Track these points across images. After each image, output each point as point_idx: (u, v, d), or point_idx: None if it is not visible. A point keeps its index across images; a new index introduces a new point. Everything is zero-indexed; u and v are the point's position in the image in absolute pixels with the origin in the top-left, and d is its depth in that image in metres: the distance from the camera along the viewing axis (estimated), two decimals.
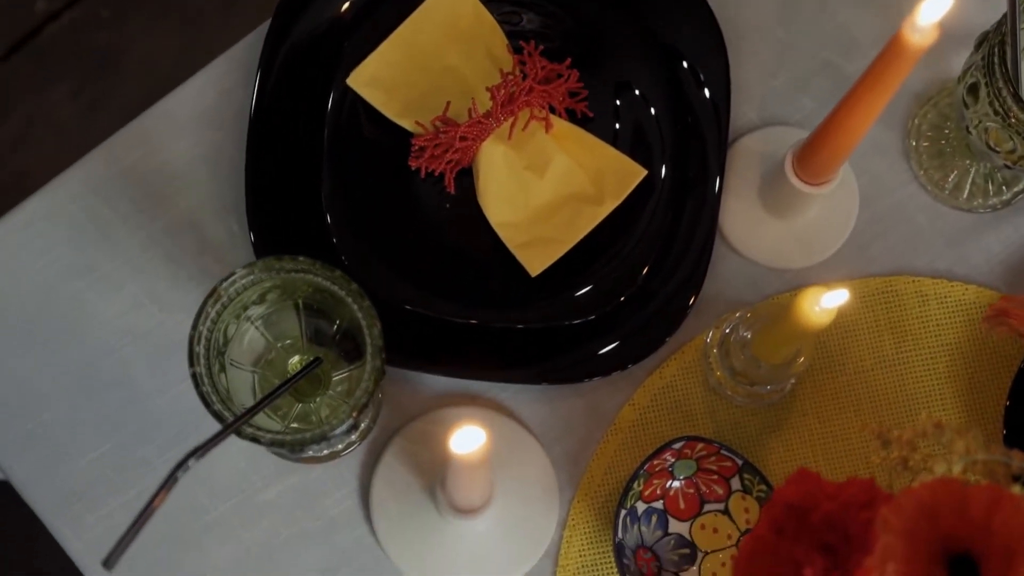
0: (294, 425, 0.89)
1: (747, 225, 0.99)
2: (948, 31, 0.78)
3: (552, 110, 0.98)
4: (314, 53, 0.99)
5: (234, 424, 0.78)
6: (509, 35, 0.99)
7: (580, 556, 0.97)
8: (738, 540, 0.96)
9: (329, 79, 0.98)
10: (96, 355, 0.98)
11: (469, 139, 0.96)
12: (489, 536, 0.96)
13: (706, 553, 0.96)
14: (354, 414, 0.81)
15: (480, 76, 0.98)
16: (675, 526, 0.96)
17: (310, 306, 0.88)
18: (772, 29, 1.02)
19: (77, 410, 0.97)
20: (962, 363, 0.99)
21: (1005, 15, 0.87)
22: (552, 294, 0.97)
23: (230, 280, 0.81)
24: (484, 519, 0.90)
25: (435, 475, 0.95)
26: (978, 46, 0.90)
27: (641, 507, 0.95)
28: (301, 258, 0.81)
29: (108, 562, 0.71)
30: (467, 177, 0.98)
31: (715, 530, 0.96)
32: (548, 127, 0.97)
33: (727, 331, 0.95)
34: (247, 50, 1.01)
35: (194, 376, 0.80)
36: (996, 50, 0.87)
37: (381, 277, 0.96)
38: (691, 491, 0.96)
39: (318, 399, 0.90)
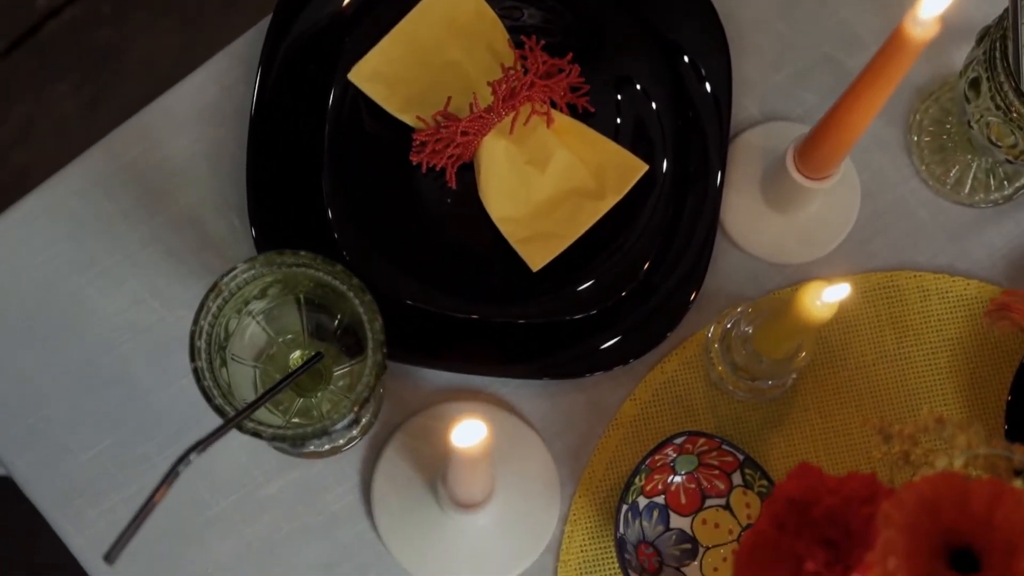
0: (295, 420, 0.89)
1: (748, 220, 0.99)
2: (949, 25, 0.78)
3: (553, 105, 0.98)
4: (315, 48, 0.99)
5: (235, 419, 0.78)
6: (510, 30, 0.99)
7: (581, 551, 0.97)
8: (739, 535, 0.96)
9: (330, 74, 0.98)
10: (97, 351, 0.98)
11: (470, 134, 0.96)
12: (490, 531, 0.96)
13: (707, 548, 0.96)
14: (355, 409, 0.81)
15: (481, 71, 0.98)
16: (676, 521, 0.96)
17: (311, 301, 0.88)
18: (773, 24, 1.02)
19: (78, 406, 0.97)
20: (964, 358, 0.99)
21: (1007, 9, 0.87)
22: (553, 289, 0.97)
23: (231, 275, 0.81)
24: (485, 514, 0.90)
25: (436, 470, 0.95)
26: (980, 40, 0.90)
27: (642, 502, 0.95)
28: (302, 253, 0.81)
29: (109, 557, 0.71)
30: (468, 172, 0.98)
31: (716, 525, 0.96)
32: (549, 122, 0.97)
33: (728, 326, 0.95)
34: (248, 46, 1.01)
35: (195, 371, 0.80)
36: (998, 44, 0.87)
37: (382, 272, 0.96)
38: (692, 486, 0.96)
39: (319, 394, 0.90)
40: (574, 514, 0.97)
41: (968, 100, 0.91)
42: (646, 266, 0.97)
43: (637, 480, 0.94)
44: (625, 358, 0.96)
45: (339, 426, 0.81)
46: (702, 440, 0.94)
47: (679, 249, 0.97)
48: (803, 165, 0.92)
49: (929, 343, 0.99)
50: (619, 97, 0.99)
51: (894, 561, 0.66)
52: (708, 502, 0.96)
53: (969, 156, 1.00)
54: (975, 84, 0.90)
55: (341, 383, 0.90)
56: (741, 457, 0.94)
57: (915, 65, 0.78)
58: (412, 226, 0.98)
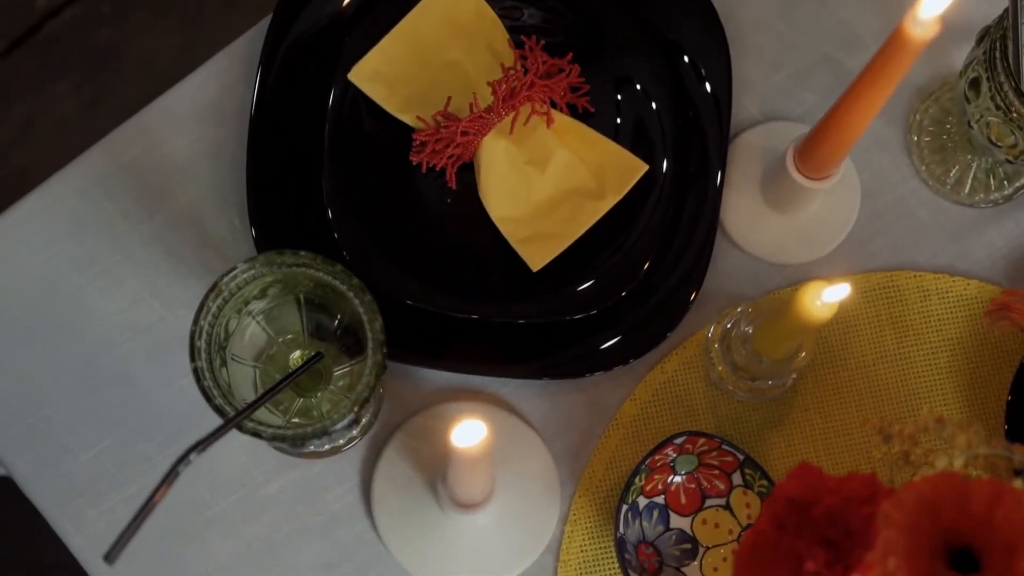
0: (295, 420, 0.89)
1: (748, 220, 0.99)
2: (949, 25, 0.78)
3: (553, 105, 0.98)
4: (315, 48, 0.99)
5: (235, 419, 0.78)
6: (510, 30, 0.99)
7: (581, 551, 0.97)
8: (739, 535, 0.96)
9: (330, 74, 0.98)
10: (97, 350, 0.98)
11: (470, 134, 0.96)
12: (490, 531, 0.96)
13: (707, 548, 0.96)
14: (355, 409, 0.80)
15: (481, 71, 0.98)
16: (676, 521, 0.96)
17: (311, 301, 0.88)
18: (773, 24, 1.02)
19: (78, 406, 0.97)
20: (964, 358, 0.99)
21: (1007, 9, 0.87)
22: (553, 289, 0.97)
23: (231, 275, 0.81)
24: (485, 514, 0.90)
25: (436, 470, 0.95)
26: (980, 40, 0.90)
27: (642, 502, 0.95)
28: (302, 252, 0.81)
29: (109, 556, 0.71)
30: (468, 172, 0.98)
31: (716, 525, 0.96)
32: (549, 122, 0.97)
33: (728, 326, 0.95)
34: (248, 45, 1.01)
35: (195, 371, 0.80)
36: (998, 44, 0.87)
37: (382, 272, 0.96)
38: (692, 486, 0.96)
39: (319, 394, 0.90)
40: (574, 514, 0.97)
41: (968, 100, 0.91)
42: (646, 266, 0.97)
43: (637, 480, 0.94)
44: (625, 358, 0.96)
45: (339, 426, 0.81)
46: (702, 440, 0.94)
47: (679, 249, 0.97)
48: (803, 165, 0.92)
49: (929, 343, 0.99)
50: (619, 97, 0.99)
51: (894, 561, 0.66)
52: (708, 502, 0.96)
53: (969, 156, 1.00)
54: (975, 84, 0.90)
55: (341, 383, 0.90)
56: (741, 457, 0.94)
57: (915, 65, 0.78)
58: (412, 226, 0.98)
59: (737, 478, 0.95)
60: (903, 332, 0.99)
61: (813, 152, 0.90)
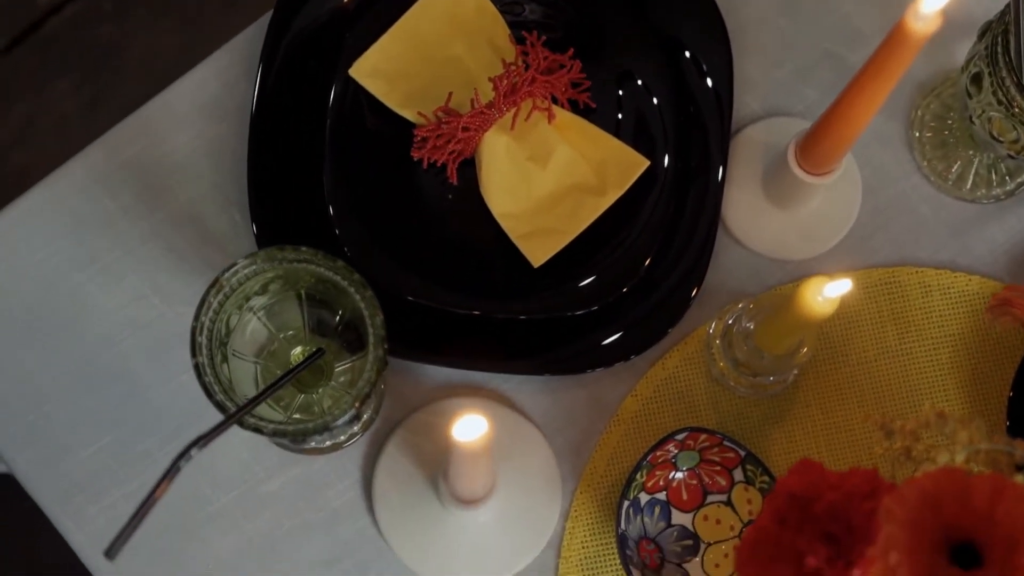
0: (296, 416, 0.89)
1: (750, 216, 0.99)
2: (951, 20, 0.78)
3: (555, 100, 0.98)
4: (316, 44, 0.99)
5: (236, 414, 0.78)
6: (511, 26, 0.99)
7: (583, 547, 0.97)
8: (741, 531, 0.96)
9: (331, 70, 0.98)
10: (97, 347, 0.98)
11: (471, 130, 0.96)
12: (491, 527, 0.96)
13: (709, 544, 0.96)
14: (356, 405, 0.80)
15: (482, 66, 0.98)
16: (678, 517, 0.96)
17: (312, 297, 0.88)
18: (775, 19, 1.02)
19: (79, 402, 0.97)
20: (965, 354, 0.99)
21: (1008, 4, 0.87)
22: (554, 285, 0.97)
23: (232, 270, 0.81)
24: (486, 510, 0.90)
25: (437, 466, 0.95)
26: (981, 35, 0.90)
27: (644, 498, 0.95)
28: (303, 248, 0.81)
29: (110, 552, 0.71)
30: (469, 168, 0.98)
31: (718, 521, 0.96)
32: (551, 118, 0.97)
33: (730, 322, 0.94)
34: (248, 42, 1.01)
35: (196, 367, 0.80)
36: (999, 39, 0.87)
37: (383, 267, 0.96)
38: (694, 482, 0.96)
39: (320, 390, 0.90)
40: (575, 510, 0.97)
41: (970, 95, 0.91)
42: (647, 262, 0.97)
43: (639, 476, 0.94)
44: (626, 354, 0.96)
45: (340, 422, 0.81)
46: (703, 436, 0.94)
47: (680, 245, 0.97)
48: (804, 161, 0.92)
49: (931, 339, 0.99)
50: (620, 93, 0.99)
51: (896, 556, 0.66)
52: (710, 498, 0.96)
53: (971, 151, 1.00)
54: (977, 79, 0.90)
55: (342, 379, 0.90)
56: (742, 453, 0.94)
57: (916, 60, 0.78)
58: (413, 222, 0.98)
59: (739, 474, 0.95)
60: (905, 328, 0.99)
61: (814, 148, 0.90)
